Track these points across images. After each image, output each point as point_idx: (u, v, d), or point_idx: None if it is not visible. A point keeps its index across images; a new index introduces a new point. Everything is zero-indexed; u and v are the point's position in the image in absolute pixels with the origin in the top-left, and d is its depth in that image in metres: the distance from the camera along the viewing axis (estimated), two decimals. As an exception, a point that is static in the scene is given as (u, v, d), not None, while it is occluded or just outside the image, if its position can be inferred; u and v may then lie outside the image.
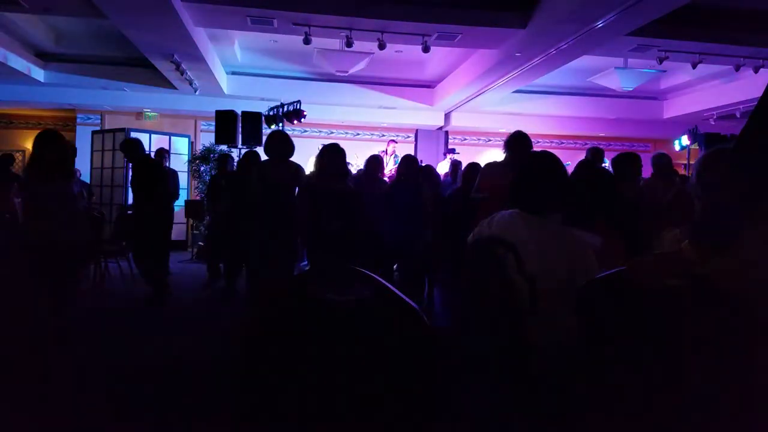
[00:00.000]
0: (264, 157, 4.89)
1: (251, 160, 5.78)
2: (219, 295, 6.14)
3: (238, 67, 10.33)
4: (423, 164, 6.95)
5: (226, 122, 8.28)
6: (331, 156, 4.31)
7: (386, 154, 9.89)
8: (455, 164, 7.62)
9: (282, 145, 4.69)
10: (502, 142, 4.39)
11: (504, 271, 2.15)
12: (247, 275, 5.45)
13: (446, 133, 12.12)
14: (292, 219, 4.61)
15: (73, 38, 9.11)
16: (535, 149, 3.75)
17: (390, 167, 9.40)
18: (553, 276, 2.08)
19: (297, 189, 4.72)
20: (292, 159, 4.76)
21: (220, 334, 4.47)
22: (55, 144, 3.98)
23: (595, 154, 5.66)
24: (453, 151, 10.74)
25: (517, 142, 4.06)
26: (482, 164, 4.61)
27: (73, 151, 4.24)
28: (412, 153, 8.83)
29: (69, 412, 2.88)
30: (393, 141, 10.06)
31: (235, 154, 8.44)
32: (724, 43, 7.33)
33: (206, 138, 11.21)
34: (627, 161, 4.45)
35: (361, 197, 4.59)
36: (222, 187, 6.51)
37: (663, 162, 5.02)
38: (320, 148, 4.56)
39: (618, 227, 2.86)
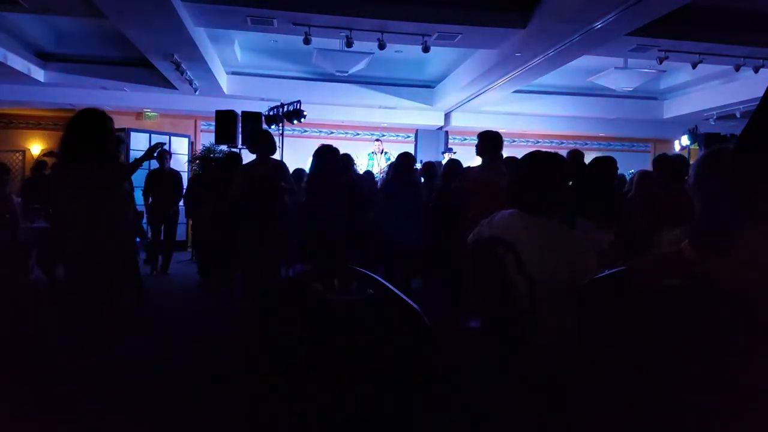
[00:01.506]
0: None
1: (235, 160, 5.79)
2: (220, 295, 6.12)
3: (238, 67, 10.32)
4: (423, 162, 6.96)
5: (226, 122, 8.28)
6: (327, 158, 4.42)
7: (376, 153, 10.20)
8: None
9: (268, 144, 4.90)
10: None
11: (504, 272, 2.15)
12: (243, 275, 5.44)
13: (446, 133, 12.12)
14: (285, 216, 4.72)
15: (73, 38, 9.11)
16: (534, 149, 3.77)
17: (382, 165, 9.60)
18: (553, 276, 2.08)
19: (281, 184, 4.90)
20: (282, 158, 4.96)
21: (217, 335, 4.47)
22: (76, 125, 3.15)
23: (574, 157, 5.65)
24: (450, 150, 10.75)
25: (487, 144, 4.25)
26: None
27: (109, 135, 3.26)
28: (412, 153, 8.86)
29: (67, 413, 2.88)
30: (378, 140, 10.44)
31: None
32: (724, 43, 7.33)
33: (206, 138, 11.21)
34: (603, 164, 4.49)
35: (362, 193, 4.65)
36: (209, 187, 6.44)
37: (669, 162, 4.98)
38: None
39: (614, 226, 2.87)
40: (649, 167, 7.87)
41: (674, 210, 3.74)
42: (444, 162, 8.99)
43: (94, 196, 3.14)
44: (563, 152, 2.63)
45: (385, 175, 8.21)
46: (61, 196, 3.24)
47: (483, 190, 4.36)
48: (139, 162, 3.49)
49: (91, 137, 3.16)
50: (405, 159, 5.33)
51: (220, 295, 6.10)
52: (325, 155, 4.48)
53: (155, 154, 3.69)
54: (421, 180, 6.00)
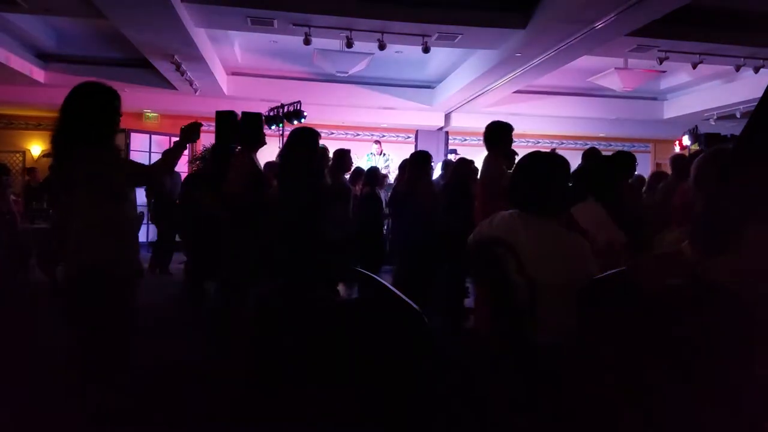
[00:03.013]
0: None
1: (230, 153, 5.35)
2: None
3: (238, 68, 10.33)
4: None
5: (226, 123, 8.26)
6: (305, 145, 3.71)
7: (374, 155, 10.24)
8: (447, 164, 7.56)
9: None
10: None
11: (504, 272, 2.15)
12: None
13: (446, 133, 12.12)
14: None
15: (73, 39, 9.11)
16: (534, 150, 3.75)
17: (380, 166, 9.63)
18: (553, 276, 2.08)
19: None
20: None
21: (216, 335, 4.47)
22: (84, 100, 2.48)
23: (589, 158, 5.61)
24: (454, 151, 10.75)
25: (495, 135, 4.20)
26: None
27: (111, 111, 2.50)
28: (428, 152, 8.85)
29: (65, 412, 2.88)
30: (378, 142, 10.45)
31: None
32: (724, 43, 7.32)
33: (206, 139, 11.20)
34: (621, 160, 4.44)
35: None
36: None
37: (683, 163, 4.93)
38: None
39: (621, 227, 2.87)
40: (648, 168, 7.86)
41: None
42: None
43: (101, 195, 2.47)
44: (563, 153, 2.63)
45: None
46: (63, 195, 2.57)
47: (480, 188, 4.29)
48: (176, 154, 2.74)
49: (102, 118, 2.48)
50: (415, 159, 5.08)
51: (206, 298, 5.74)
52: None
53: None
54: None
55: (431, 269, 5.05)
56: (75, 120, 2.46)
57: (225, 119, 8.24)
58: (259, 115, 4.42)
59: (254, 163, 4.08)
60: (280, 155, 3.97)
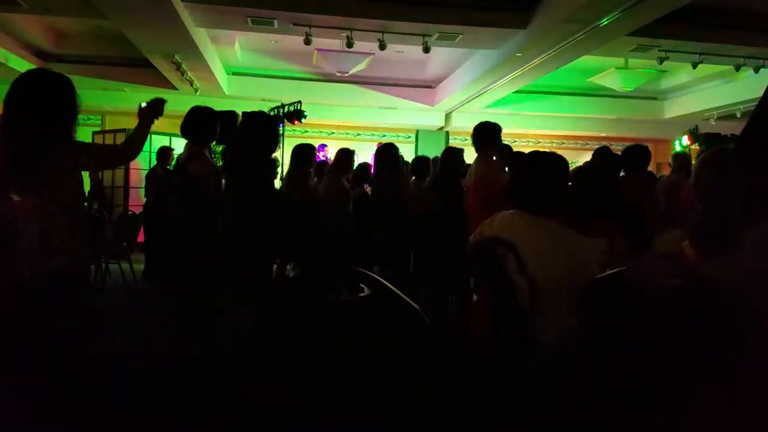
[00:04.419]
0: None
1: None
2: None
3: (238, 68, 10.34)
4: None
5: (226, 123, 8.26)
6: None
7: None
8: (435, 159, 7.38)
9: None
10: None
11: (505, 272, 2.16)
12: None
13: (447, 133, 12.12)
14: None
15: (73, 39, 9.12)
16: (535, 149, 3.73)
17: None
18: (553, 276, 2.08)
19: None
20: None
21: (222, 336, 4.46)
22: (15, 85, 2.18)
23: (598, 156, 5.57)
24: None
25: (484, 136, 4.04)
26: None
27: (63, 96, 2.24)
28: (415, 154, 8.80)
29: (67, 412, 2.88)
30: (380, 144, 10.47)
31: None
32: (724, 43, 7.33)
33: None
34: (636, 153, 4.41)
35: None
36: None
37: (685, 161, 4.92)
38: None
39: (622, 227, 2.87)
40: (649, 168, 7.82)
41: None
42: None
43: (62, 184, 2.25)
44: (563, 153, 2.62)
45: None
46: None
47: (472, 188, 4.23)
48: (143, 132, 2.63)
49: (60, 107, 2.24)
50: (380, 153, 4.82)
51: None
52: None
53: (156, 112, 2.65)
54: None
55: (413, 276, 4.92)
56: (33, 111, 2.17)
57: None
58: (208, 108, 4.00)
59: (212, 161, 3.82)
60: (236, 144, 3.56)
